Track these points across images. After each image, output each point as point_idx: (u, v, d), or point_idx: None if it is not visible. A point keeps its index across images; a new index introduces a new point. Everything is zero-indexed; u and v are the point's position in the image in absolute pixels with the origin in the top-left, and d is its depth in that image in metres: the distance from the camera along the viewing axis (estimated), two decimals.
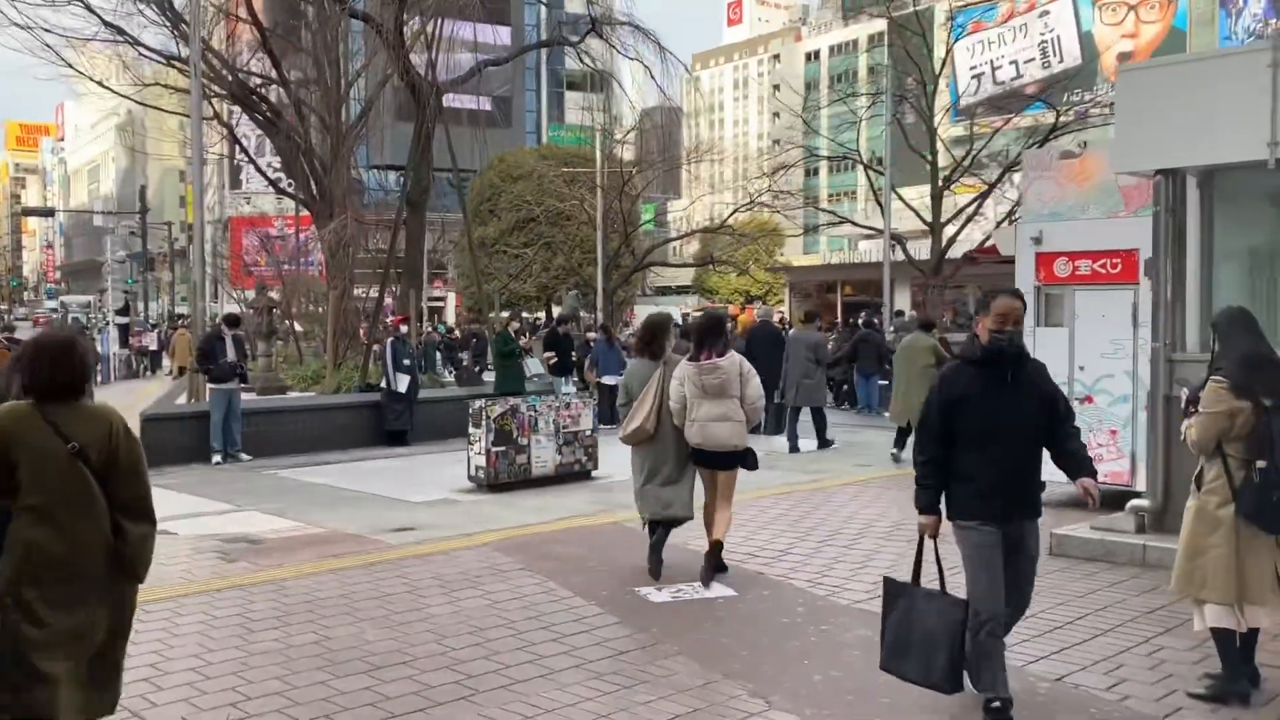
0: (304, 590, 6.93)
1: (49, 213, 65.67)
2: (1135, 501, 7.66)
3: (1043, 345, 9.55)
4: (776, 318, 21.74)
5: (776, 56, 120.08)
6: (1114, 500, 9.23)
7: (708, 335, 6.97)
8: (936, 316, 21.32)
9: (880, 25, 32.23)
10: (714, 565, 6.96)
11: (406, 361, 14.63)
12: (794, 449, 13.63)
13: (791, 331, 15.16)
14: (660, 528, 7.14)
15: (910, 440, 11.94)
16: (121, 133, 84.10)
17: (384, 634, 5.96)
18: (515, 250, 45.77)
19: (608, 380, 16.63)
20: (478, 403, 11.04)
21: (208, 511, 10.11)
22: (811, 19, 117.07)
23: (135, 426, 13.95)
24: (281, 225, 48.64)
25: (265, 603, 6.64)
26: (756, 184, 28.05)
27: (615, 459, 12.82)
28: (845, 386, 20.60)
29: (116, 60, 22.63)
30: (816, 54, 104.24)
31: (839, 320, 28.21)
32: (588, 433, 11.68)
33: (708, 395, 6.77)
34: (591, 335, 17.94)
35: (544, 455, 11.30)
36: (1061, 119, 22.40)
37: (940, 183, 22.29)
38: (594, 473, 11.78)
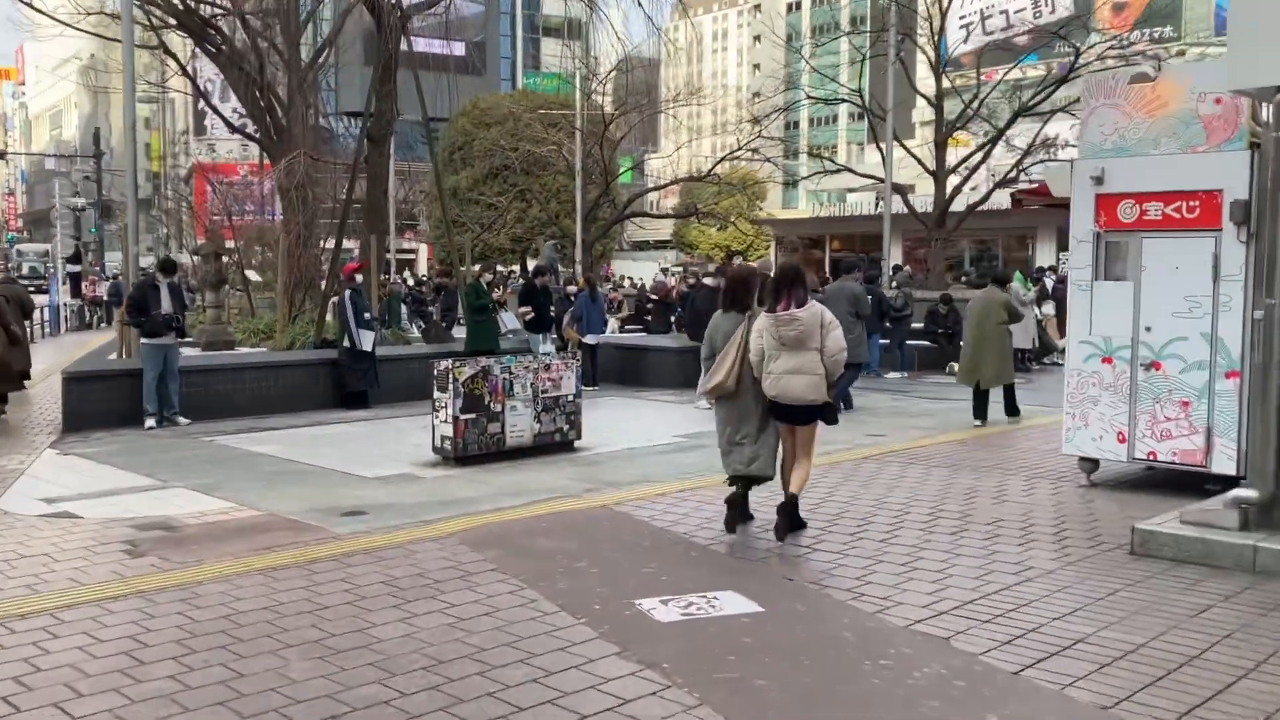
0: (220, 600, 5.53)
1: None
2: (1239, 491, 6.36)
3: (1103, 303, 8.25)
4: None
5: (757, 6, 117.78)
6: (1185, 483, 8.01)
7: (787, 285, 6.62)
8: (941, 272, 20.03)
9: None
10: (788, 522, 6.69)
11: (368, 315, 13.15)
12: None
13: (830, 285, 13.84)
14: (740, 484, 6.94)
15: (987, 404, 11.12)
16: (84, 75, 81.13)
17: (313, 669, 4.58)
18: (489, 200, 44.07)
19: (590, 339, 15.22)
20: (444, 363, 9.60)
21: (125, 488, 8.66)
22: None
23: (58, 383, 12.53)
24: (246, 173, 46.69)
25: (167, 619, 5.24)
26: (742, 130, 26.53)
27: (600, 427, 11.50)
28: None
29: None
30: (798, 4, 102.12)
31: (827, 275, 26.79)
32: (570, 398, 10.29)
33: (785, 347, 6.53)
34: (571, 289, 16.48)
35: (520, 424, 9.91)
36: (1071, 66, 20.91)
37: (944, 129, 20.85)
38: (577, 443, 10.42)
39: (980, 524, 7.21)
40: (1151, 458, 8.10)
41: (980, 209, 21.79)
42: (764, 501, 7.24)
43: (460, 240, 45.72)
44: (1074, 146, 26.50)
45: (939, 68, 21.32)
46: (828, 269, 32.88)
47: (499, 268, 38.24)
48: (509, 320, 14.84)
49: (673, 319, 23.55)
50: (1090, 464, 8.53)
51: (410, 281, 32.57)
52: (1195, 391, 7.82)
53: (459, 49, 69.14)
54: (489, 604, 5.47)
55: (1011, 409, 12.03)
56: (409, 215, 54.87)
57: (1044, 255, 29.51)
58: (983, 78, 23.98)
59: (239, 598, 5.58)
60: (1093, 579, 5.89)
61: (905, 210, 22.07)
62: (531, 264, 21.34)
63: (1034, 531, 7.01)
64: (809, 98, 23.07)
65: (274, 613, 5.34)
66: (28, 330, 13.94)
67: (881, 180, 20.44)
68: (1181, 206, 7.83)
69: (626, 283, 35.86)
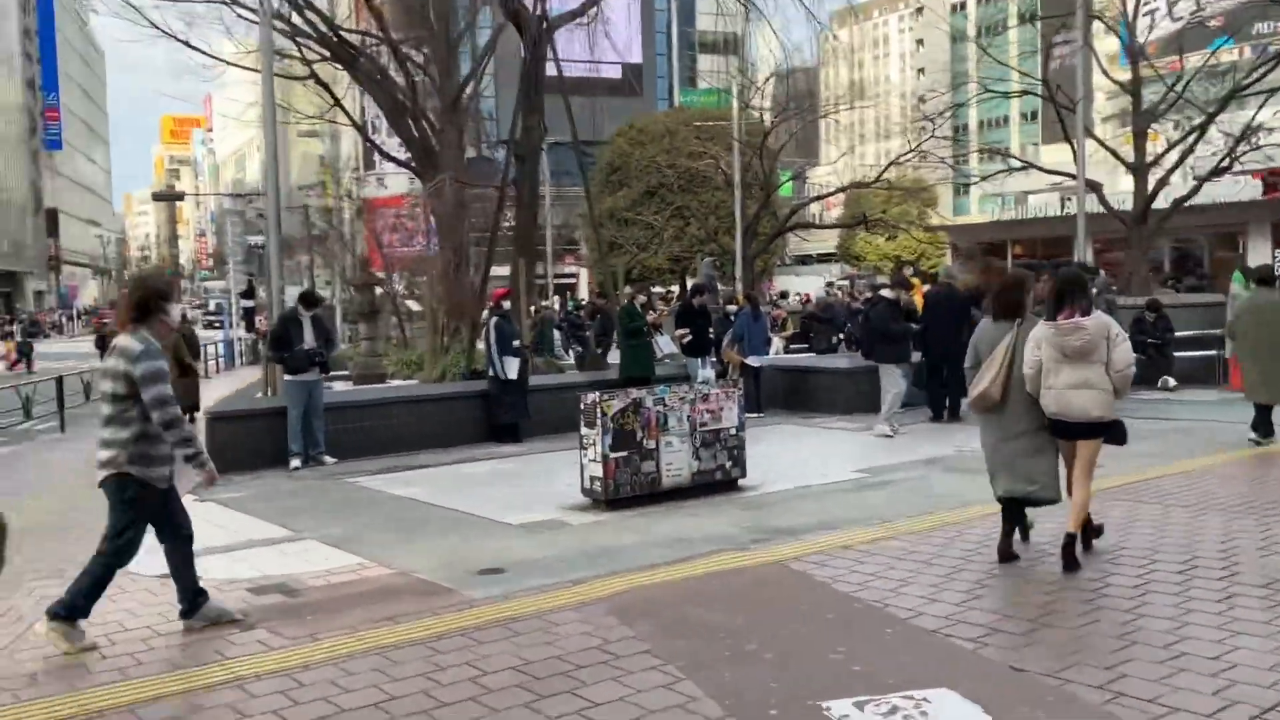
0: (323, 693, 4.67)
1: (177, 197, 67.03)
2: None
3: None
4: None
5: (919, 10, 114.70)
6: None
7: (1070, 292, 6.23)
8: (1145, 277, 18.07)
9: None
10: (1069, 559, 6.19)
11: (516, 343, 12.39)
12: None
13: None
14: (1014, 505, 6.52)
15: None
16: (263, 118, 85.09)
17: None
18: (647, 220, 43.47)
19: (753, 361, 14.09)
20: (591, 396, 8.65)
21: (258, 540, 8.02)
22: None
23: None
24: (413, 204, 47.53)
25: (260, 718, 4.40)
26: (909, 133, 24.91)
27: (767, 461, 10.35)
28: None
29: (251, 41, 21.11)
30: (962, 4, 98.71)
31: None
32: (733, 431, 9.19)
33: (1068, 359, 6.13)
34: (731, 308, 15.38)
35: (677, 461, 8.86)
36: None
37: (1143, 118, 18.81)
38: (741, 481, 9.30)
39: (1253, 584, 5.74)
40: None
41: (1181, 206, 19.56)
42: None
43: (615, 262, 45.50)
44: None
45: (1135, 51, 19.28)
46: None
47: (655, 289, 37.52)
48: (665, 344, 13.88)
49: (838, 337, 22.18)
50: None
51: (567, 307, 32.05)
52: None
53: (611, 71, 69.56)
54: (638, 703, 4.42)
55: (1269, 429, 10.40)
56: (569, 240, 54.95)
57: (1257, 254, 26.70)
58: (1169, 68, 21.77)
59: (345, 688, 4.71)
60: None
61: (1099, 209, 20.10)
62: (690, 284, 20.43)
63: None
64: (986, 91, 21.28)
65: (383, 712, 4.43)
66: (199, 366, 13.93)
67: (1072, 177, 18.59)
68: None
69: (792, 298, 34.53)
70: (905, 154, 23.61)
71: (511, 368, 12.16)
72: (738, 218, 24.89)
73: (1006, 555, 6.39)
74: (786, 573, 6.41)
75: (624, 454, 8.55)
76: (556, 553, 7.19)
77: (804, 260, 63.89)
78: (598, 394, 8.63)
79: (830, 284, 47.13)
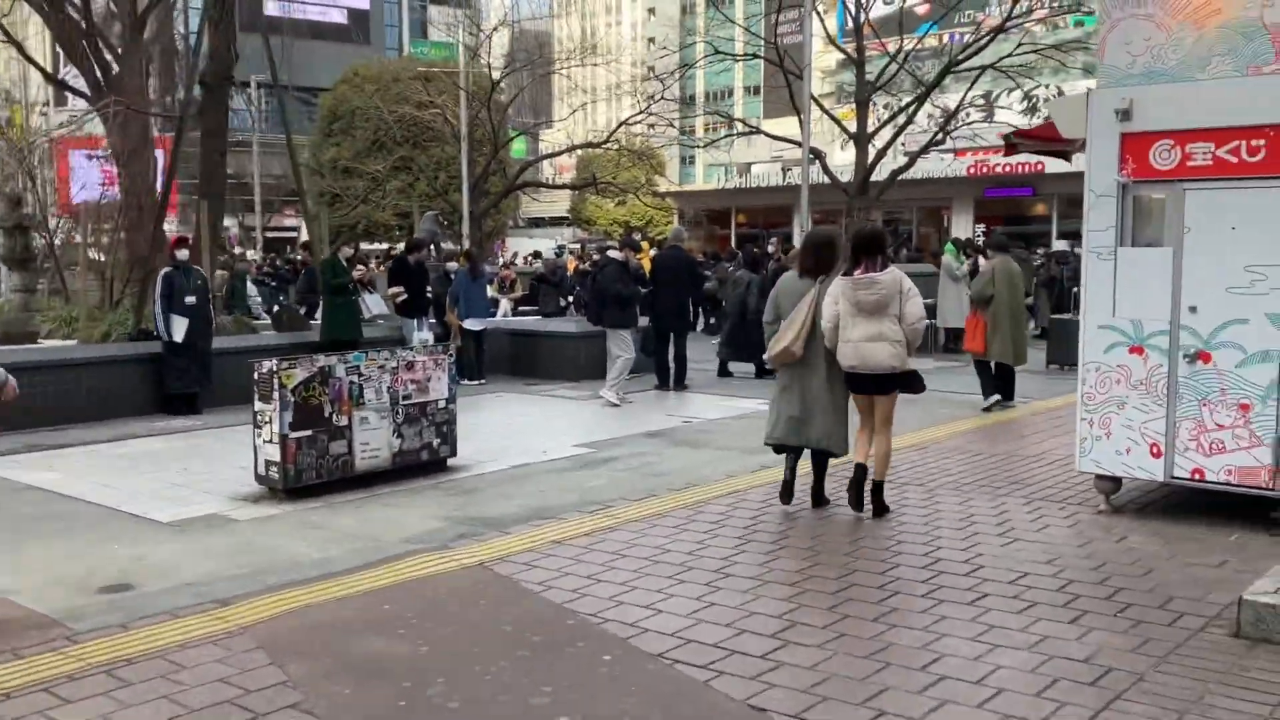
0: None
1: None
2: None
3: (1131, 276, 6.37)
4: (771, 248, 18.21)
5: None
6: (1232, 507, 6.19)
7: (866, 248, 6.37)
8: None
9: None
10: (879, 503, 6.49)
11: (190, 299, 10.63)
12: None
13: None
14: (792, 455, 6.62)
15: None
16: None
17: None
18: (373, 173, 41.05)
19: (472, 324, 12.93)
20: (267, 364, 7.24)
21: None
22: None
23: None
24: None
25: None
26: (640, 95, 24.35)
27: (484, 434, 9.29)
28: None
29: None
30: None
31: (733, 250, 24.86)
32: (442, 404, 8.04)
33: (863, 313, 6.26)
34: (453, 265, 14.11)
35: (374, 440, 7.62)
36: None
37: (865, 90, 18.98)
38: (451, 461, 8.19)
39: (1002, 582, 5.23)
40: (1197, 477, 6.24)
41: (898, 178, 20.01)
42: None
43: (327, 215, 42.68)
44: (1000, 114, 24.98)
45: (858, 22, 19.40)
46: (733, 245, 31.03)
47: (377, 245, 35.40)
48: (375, 304, 12.48)
49: (566, 300, 21.38)
50: (1111, 483, 6.64)
51: (276, 261, 29.50)
52: (1260, 391, 5.97)
53: (336, 15, 65.44)
54: None
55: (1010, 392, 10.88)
56: (289, 191, 51.54)
57: (960, 228, 28.09)
58: (875, 47, 22.20)
59: None
60: (1221, 696, 3.91)
61: (822, 179, 20.25)
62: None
63: (1077, 593, 5.05)
64: (718, 52, 20.93)
65: None
66: None
67: (797, 144, 18.54)
68: (1241, 147, 5.94)
69: (519, 260, 33.43)
70: (634, 116, 23.00)
71: (178, 328, 10.43)
72: (464, 173, 23.51)
73: (788, 494, 6.59)
74: (490, 579, 5.37)
75: (308, 433, 7.21)
76: (206, 563, 5.81)
77: (536, 222, 62.96)
78: (275, 361, 7.22)
79: (561, 247, 46.50)
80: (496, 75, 24.65)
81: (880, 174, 20.23)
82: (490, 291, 17.78)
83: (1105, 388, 6.48)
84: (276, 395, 7.07)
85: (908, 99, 19.71)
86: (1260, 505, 6.07)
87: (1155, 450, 6.33)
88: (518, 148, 60.01)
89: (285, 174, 50.36)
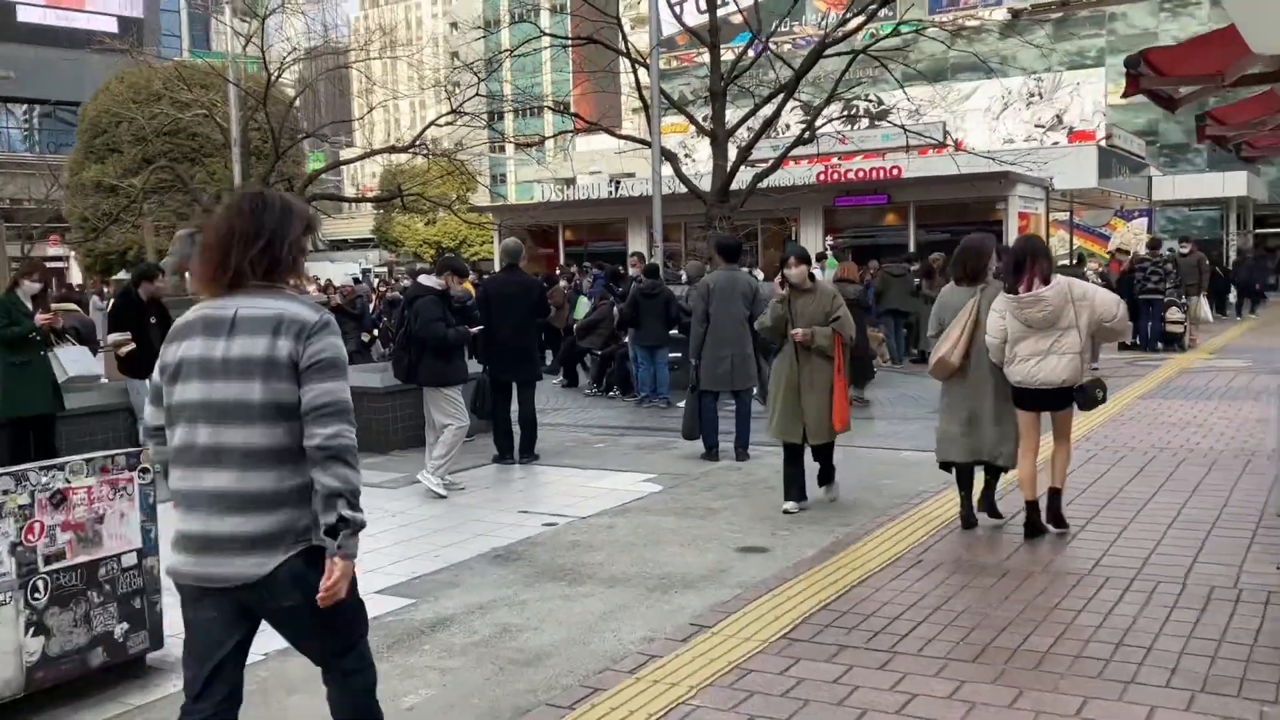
0: None
1: None
2: None
3: None
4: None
5: None
6: None
7: (1027, 261, 5.89)
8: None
9: None
10: (1055, 518, 6.17)
11: None
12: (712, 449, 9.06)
13: (716, 273, 9.00)
14: (965, 477, 6.37)
15: None
16: None
17: None
18: (124, 188, 35.79)
19: None
20: None
21: None
22: None
23: None
24: None
25: None
26: (446, 94, 20.86)
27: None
28: (611, 364, 14.21)
29: None
30: None
31: (573, 269, 21.64)
32: (130, 560, 4.45)
33: (1033, 329, 5.87)
34: None
35: None
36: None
37: (721, 77, 16.13)
38: (152, 656, 4.60)
39: None
40: None
41: (736, 188, 17.18)
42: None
43: (98, 243, 37.11)
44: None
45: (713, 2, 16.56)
46: (560, 264, 27.80)
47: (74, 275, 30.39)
48: (73, 359, 8.57)
49: (368, 336, 17.69)
50: None
51: None
52: None
53: (104, 24, 58.76)
54: None
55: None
56: (53, 216, 45.40)
57: (809, 239, 25.77)
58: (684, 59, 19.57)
59: None
60: None
61: (675, 189, 17.37)
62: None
63: None
64: (545, 36, 17.73)
65: None
66: None
67: (645, 143, 15.59)
68: None
69: (311, 288, 29.12)
70: (444, 115, 19.51)
71: None
72: (237, 181, 19.39)
73: (969, 522, 6.34)
74: None
75: None
76: None
77: (338, 245, 58.08)
78: None
79: (365, 270, 42.17)
80: (274, 70, 20.58)
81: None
82: None
83: None
84: None
85: (766, 92, 16.97)
86: None
87: None
88: (315, 159, 54.95)
89: (46, 198, 44.34)
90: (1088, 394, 5.98)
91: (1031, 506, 6.10)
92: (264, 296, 2.77)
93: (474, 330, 8.43)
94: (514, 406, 9.37)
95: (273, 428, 2.70)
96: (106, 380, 9.83)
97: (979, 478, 6.43)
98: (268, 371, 2.70)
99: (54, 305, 11.14)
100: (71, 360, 8.46)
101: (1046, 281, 5.82)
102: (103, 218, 30.01)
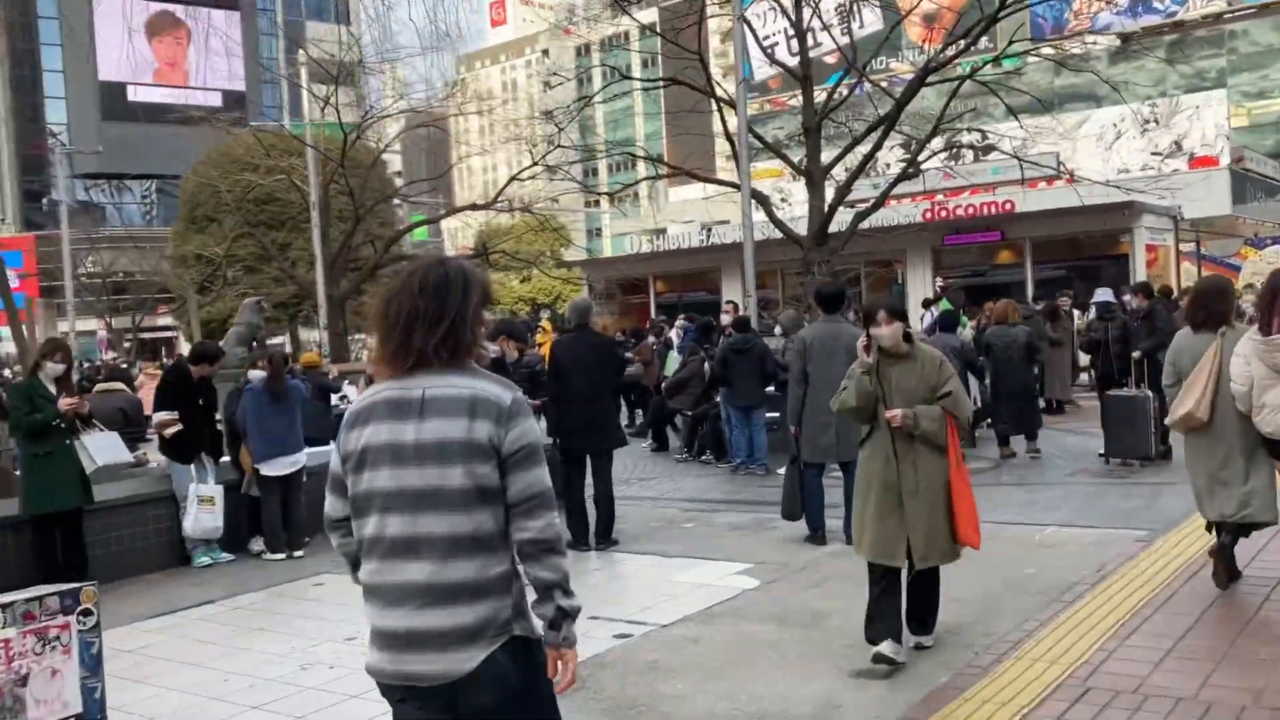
0: None
1: None
2: None
3: None
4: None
5: (545, 51, 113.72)
6: None
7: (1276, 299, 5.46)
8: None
9: (651, 15, 25.30)
10: None
11: None
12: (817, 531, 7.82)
13: (813, 326, 7.92)
14: (1226, 533, 5.80)
15: None
16: None
17: None
18: (250, 263, 36.13)
19: (270, 470, 8.36)
20: None
21: None
22: (579, 13, 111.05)
23: None
24: None
25: None
26: (536, 148, 20.24)
27: None
28: (703, 426, 13.04)
29: None
30: (587, 48, 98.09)
31: (662, 321, 20.61)
32: None
33: None
34: (256, 375, 9.46)
35: None
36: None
37: (815, 112, 15.02)
38: None
39: None
40: None
41: (835, 230, 15.95)
42: None
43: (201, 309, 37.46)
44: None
45: (802, 26, 15.52)
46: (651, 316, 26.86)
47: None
48: (101, 446, 7.79)
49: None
50: None
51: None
52: None
53: (209, 99, 60.17)
54: None
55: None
56: (161, 288, 46.65)
57: (915, 283, 24.31)
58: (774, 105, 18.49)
59: None
60: None
61: (769, 234, 16.25)
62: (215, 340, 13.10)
63: None
64: (622, 76, 16.94)
65: None
66: None
67: (735, 187, 14.54)
68: None
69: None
70: (527, 167, 18.83)
71: None
72: (316, 246, 18.89)
73: (1228, 578, 5.80)
74: None
75: None
76: None
77: None
78: None
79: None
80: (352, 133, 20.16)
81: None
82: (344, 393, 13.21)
83: None
84: None
85: (864, 127, 15.80)
86: None
87: None
88: (419, 231, 55.25)
89: (154, 269, 45.41)
90: None
91: None
92: (451, 374, 2.64)
93: (535, 401, 7.39)
94: (589, 480, 8.31)
95: (475, 514, 2.57)
96: (154, 465, 9.08)
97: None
98: (468, 455, 2.56)
99: (99, 386, 10.52)
100: (98, 448, 7.68)
101: None
102: (199, 289, 30.16)
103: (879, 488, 5.07)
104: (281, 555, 8.35)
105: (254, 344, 13.82)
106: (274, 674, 5.57)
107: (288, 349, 33.05)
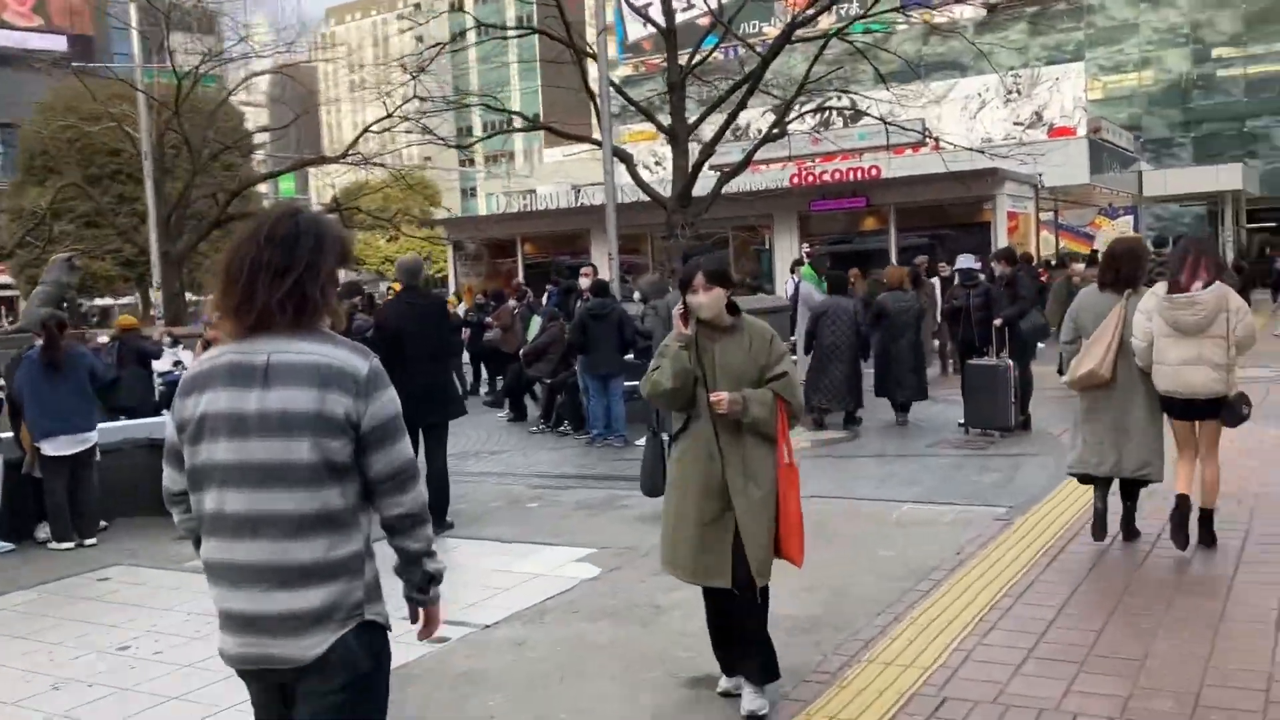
0: None
1: None
2: None
3: None
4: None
5: (417, 5, 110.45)
6: None
7: (1203, 261, 5.59)
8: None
9: None
10: (1206, 538, 5.79)
11: None
12: None
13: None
14: (1100, 487, 5.96)
15: None
16: None
17: None
18: (90, 218, 33.79)
19: (52, 449, 7.41)
20: None
21: None
22: None
23: None
24: None
25: None
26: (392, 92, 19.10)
27: None
28: (560, 395, 12.41)
29: None
30: (460, 3, 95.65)
31: (522, 289, 19.78)
32: None
33: (1180, 333, 5.56)
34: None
35: None
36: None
37: (679, 71, 14.39)
38: None
39: None
40: None
41: (702, 194, 15.43)
42: None
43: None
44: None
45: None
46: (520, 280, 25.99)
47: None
48: None
49: None
50: None
51: None
52: None
53: (53, 42, 56.29)
54: None
55: None
56: None
57: (783, 248, 24.09)
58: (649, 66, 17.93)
59: None
60: None
61: (633, 197, 15.62)
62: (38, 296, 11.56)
63: None
64: (479, 24, 15.99)
65: None
66: None
67: (596, 143, 13.83)
68: None
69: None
70: (378, 120, 17.68)
71: None
72: (150, 198, 17.32)
73: (1102, 531, 5.95)
74: None
75: None
76: None
77: None
78: None
79: None
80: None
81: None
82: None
83: None
84: None
85: (726, 86, 15.26)
86: None
87: None
88: (286, 189, 52.70)
89: None
90: (1235, 411, 5.64)
91: (1184, 499, 5.71)
92: (300, 339, 2.40)
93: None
94: (422, 456, 7.58)
95: (322, 491, 2.37)
96: None
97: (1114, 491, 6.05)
98: (316, 428, 2.35)
99: None
100: None
101: (1209, 284, 5.50)
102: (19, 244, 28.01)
103: (698, 492, 4.06)
104: (70, 544, 7.41)
105: (64, 305, 12.55)
106: (13, 695, 4.73)
107: (139, 310, 31.09)
